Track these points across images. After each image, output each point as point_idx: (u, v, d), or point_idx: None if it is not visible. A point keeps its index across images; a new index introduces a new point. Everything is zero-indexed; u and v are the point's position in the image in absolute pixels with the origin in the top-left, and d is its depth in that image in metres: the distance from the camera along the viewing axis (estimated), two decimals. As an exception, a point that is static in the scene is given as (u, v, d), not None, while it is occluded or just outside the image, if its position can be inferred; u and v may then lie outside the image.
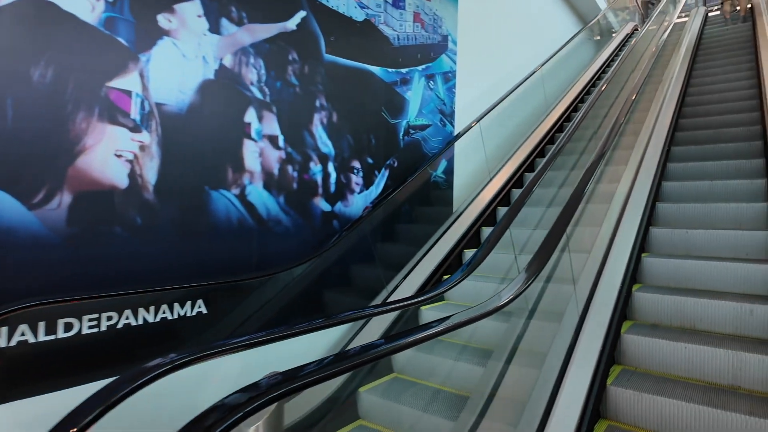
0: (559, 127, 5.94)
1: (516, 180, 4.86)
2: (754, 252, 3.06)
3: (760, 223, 3.26)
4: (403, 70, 4.03)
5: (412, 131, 4.14)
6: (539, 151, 5.41)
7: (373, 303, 3.33)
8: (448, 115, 4.63)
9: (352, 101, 3.48)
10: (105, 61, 2.17)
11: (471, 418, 2.27)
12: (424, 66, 4.27)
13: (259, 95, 2.75)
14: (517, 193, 4.63)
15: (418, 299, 2.16)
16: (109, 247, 2.16)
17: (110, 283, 2.15)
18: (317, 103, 3.15)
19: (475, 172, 4.87)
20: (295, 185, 2.99)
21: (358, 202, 3.52)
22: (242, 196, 2.66)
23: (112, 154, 2.15)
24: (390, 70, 3.89)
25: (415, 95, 4.18)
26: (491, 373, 2.45)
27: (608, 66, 7.78)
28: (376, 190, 3.70)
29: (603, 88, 4.85)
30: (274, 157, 2.85)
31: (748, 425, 2.02)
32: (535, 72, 5.91)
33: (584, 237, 3.26)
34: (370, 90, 3.69)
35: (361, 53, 3.58)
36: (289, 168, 2.95)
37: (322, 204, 3.20)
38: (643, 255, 3.29)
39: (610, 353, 2.63)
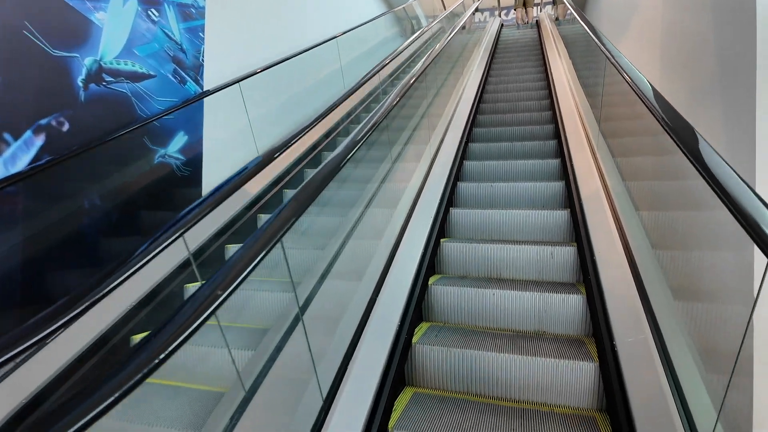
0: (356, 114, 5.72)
1: (309, 161, 4.39)
2: (551, 203, 3.23)
3: (555, 176, 3.51)
4: (87, -26, 2.60)
5: (110, 78, 2.76)
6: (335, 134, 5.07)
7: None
8: (191, 69, 3.38)
9: None
10: None
11: (231, 408, 1.57)
12: (137, -18, 2.92)
13: None
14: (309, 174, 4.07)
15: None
16: None
17: None
18: None
19: (247, 155, 3.64)
20: None
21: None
22: None
23: None
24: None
25: (115, 21, 2.82)
26: (265, 347, 1.82)
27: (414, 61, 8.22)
28: (5, 169, 2.21)
29: (387, 62, 4.90)
30: None
31: (559, 367, 1.87)
32: (332, 39, 5.10)
33: (389, 190, 2.94)
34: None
35: None
36: None
37: None
38: (451, 208, 3.17)
39: (418, 309, 2.29)
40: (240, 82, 3.45)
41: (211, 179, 3.42)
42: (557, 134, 4.01)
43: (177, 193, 3.23)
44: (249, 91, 3.57)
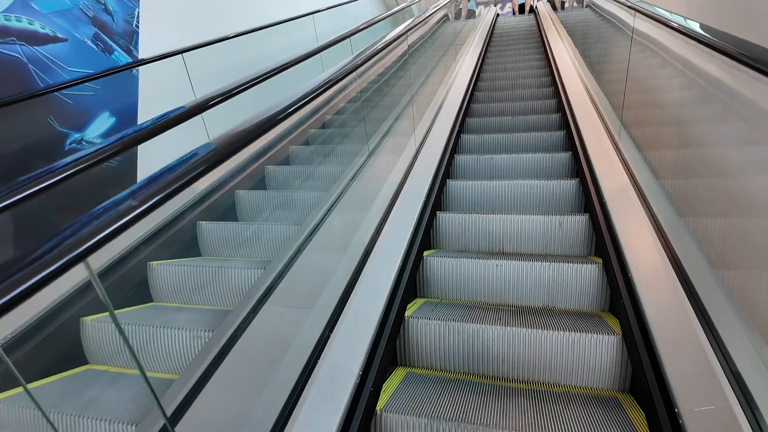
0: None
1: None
2: (557, 173, 3.01)
3: (560, 147, 3.30)
4: None
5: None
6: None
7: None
8: (121, 36, 2.72)
9: None
10: None
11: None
12: None
13: None
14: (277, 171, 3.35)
15: None
16: None
17: None
18: None
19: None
20: None
21: None
22: None
23: None
24: None
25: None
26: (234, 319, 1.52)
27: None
28: None
29: (362, 28, 4.53)
30: None
31: (575, 342, 1.63)
32: (307, 15, 4.33)
33: (380, 165, 2.65)
34: None
35: None
36: None
37: None
38: (448, 180, 2.92)
39: (411, 285, 2.03)
40: (183, 54, 2.67)
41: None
42: (559, 108, 3.79)
43: (99, 192, 2.46)
44: (201, 84, 2.80)
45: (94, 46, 2.60)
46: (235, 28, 3.28)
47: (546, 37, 6.45)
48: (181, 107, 1.53)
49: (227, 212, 2.90)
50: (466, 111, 4.12)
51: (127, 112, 2.71)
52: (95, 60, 2.60)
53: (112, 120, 2.60)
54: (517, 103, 4.15)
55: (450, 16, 7.24)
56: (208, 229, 2.59)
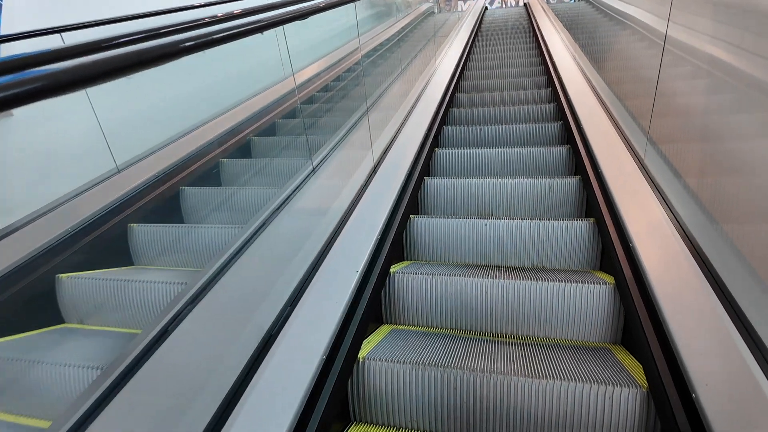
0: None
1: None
2: (548, 141, 2.98)
3: (551, 118, 3.26)
4: None
5: None
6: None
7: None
8: None
9: None
10: None
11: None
12: None
13: None
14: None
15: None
16: None
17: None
18: None
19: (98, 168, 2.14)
20: None
21: None
22: None
23: None
24: None
25: None
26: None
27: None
28: None
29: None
30: None
31: (563, 290, 1.57)
32: None
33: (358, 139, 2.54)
34: None
35: None
36: None
37: None
38: (435, 149, 2.86)
39: (397, 247, 1.95)
40: (62, 33, 1.95)
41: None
42: (549, 83, 3.74)
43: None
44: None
45: None
46: (151, 8, 2.41)
47: (539, 29, 6.37)
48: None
49: (169, 211, 2.37)
50: (456, 87, 4.04)
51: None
52: None
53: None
54: (507, 80, 4.10)
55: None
56: (141, 233, 2.07)
